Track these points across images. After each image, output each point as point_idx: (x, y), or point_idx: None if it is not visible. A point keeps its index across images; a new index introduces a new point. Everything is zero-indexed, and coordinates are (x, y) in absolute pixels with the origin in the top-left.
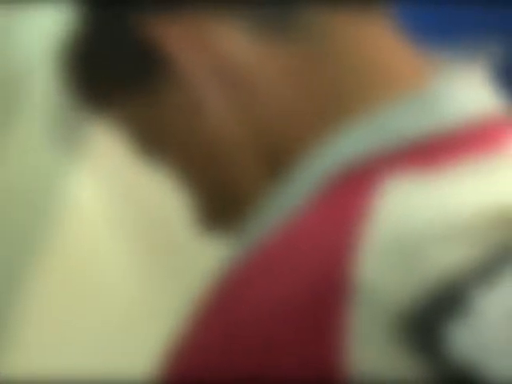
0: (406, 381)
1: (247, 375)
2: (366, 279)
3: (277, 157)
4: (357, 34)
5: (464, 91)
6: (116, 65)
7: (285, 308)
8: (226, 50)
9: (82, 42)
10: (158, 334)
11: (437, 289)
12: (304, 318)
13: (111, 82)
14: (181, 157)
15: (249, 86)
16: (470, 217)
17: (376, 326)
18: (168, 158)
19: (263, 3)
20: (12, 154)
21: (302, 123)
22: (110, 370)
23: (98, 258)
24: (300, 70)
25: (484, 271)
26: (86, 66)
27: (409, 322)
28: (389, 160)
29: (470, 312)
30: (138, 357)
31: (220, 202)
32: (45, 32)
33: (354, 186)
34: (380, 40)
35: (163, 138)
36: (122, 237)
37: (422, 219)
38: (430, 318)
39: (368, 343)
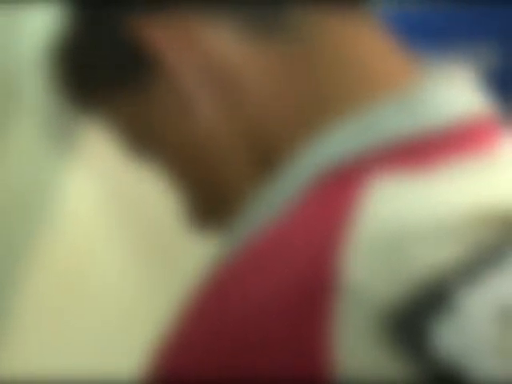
0: (392, 378)
1: (236, 373)
2: (352, 277)
3: (265, 156)
4: (344, 35)
5: (451, 92)
6: (105, 65)
7: (272, 305)
8: (215, 49)
9: (71, 42)
10: (152, 332)
11: (422, 287)
12: (291, 315)
13: (100, 81)
14: (170, 156)
15: (237, 86)
16: (456, 216)
17: (362, 324)
18: (158, 157)
19: (252, 4)
20: (8, 154)
21: (290, 123)
22: (105, 369)
23: (93, 257)
24: (288, 71)
25: (469, 270)
26: (76, 65)
27: (395, 320)
28: (376, 159)
29: (455, 311)
30: (132, 356)
31: (209, 200)
32: (35, 32)
33: (342, 184)
34: (367, 41)
35: (152, 138)
36: (116, 236)
37: (408, 218)
38: (416, 316)
39: (354, 341)
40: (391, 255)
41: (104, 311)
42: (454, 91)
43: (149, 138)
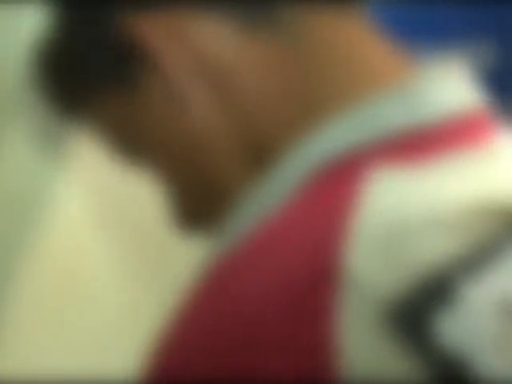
0: (395, 371)
1: (233, 372)
2: (354, 271)
3: (259, 154)
4: (338, 32)
5: (447, 87)
6: (96, 64)
7: (270, 302)
8: (208, 48)
9: (59, 42)
10: (145, 333)
11: (424, 278)
12: (290, 311)
13: (90, 81)
14: (162, 156)
15: (230, 84)
16: (456, 208)
17: (364, 318)
18: (149, 157)
19: (245, 2)
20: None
21: (283, 121)
22: (99, 369)
23: (84, 259)
24: (282, 69)
25: (471, 261)
26: (66, 65)
27: (396, 313)
28: (373, 153)
29: (457, 301)
30: (125, 356)
31: (202, 200)
32: (25, 33)
33: (340, 179)
34: (360, 39)
35: (144, 137)
36: (106, 238)
37: (408, 210)
38: (418, 307)
39: (357, 335)
40: (392, 248)
41: (96, 311)
42: (450, 86)
43: (140, 138)
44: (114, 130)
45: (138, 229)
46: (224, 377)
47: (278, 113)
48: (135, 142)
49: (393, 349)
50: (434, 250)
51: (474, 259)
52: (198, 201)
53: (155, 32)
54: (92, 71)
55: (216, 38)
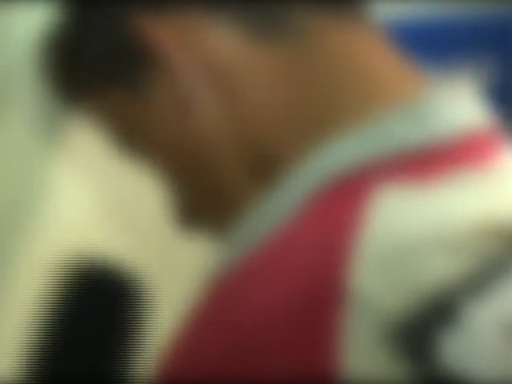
0: None
1: (242, 377)
2: (358, 288)
3: (264, 160)
4: (347, 42)
5: (455, 104)
6: (104, 62)
7: (279, 311)
8: (216, 50)
9: (69, 38)
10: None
11: (428, 298)
12: (298, 321)
13: (96, 77)
14: (165, 155)
15: (238, 88)
16: (461, 227)
17: (368, 334)
18: (151, 155)
19: (255, 6)
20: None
21: (290, 130)
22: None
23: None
24: (291, 75)
25: (475, 283)
26: (74, 62)
27: (400, 330)
28: (381, 170)
29: (461, 321)
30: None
31: (203, 203)
32: (29, 27)
33: (348, 194)
34: (370, 49)
35: (148, 136)
36: (103, 229)
37: (414, 229)
38: (421, 326)
39: (360, 349)
40: (396, 268)
41: None
42: (458, 103)
43: (143, 136)
44: (117, 125)
45: (134, 221)
46: (235, 381)
47: (286, 118)
48: (137, 139)
49: (395, 368)
50: (438, 269)
51: (479, 279)
52: (199, 203)
53: (166, 34)
54: (98, 67)
55: (226, 44)
